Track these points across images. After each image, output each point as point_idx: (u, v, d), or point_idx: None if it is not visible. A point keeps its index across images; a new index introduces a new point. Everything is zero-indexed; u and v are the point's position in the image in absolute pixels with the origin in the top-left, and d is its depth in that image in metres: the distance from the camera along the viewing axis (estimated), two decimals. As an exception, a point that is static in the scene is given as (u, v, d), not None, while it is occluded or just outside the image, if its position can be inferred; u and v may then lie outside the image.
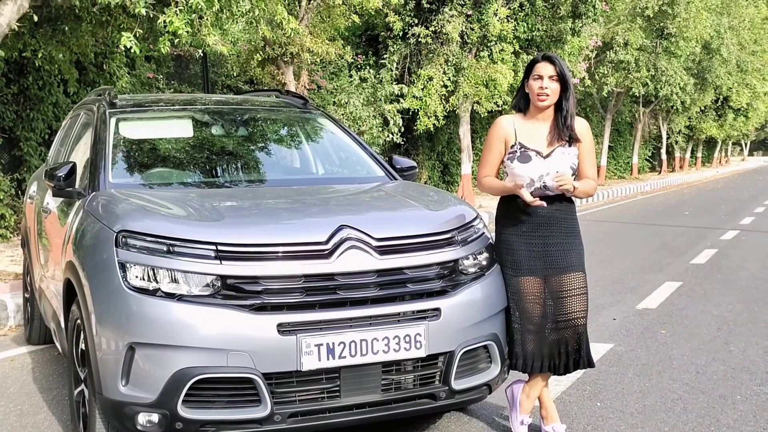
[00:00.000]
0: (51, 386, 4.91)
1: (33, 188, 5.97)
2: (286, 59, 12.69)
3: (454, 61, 15.45)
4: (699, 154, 47.24)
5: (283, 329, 3.20)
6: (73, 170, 4.15)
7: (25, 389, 4.88)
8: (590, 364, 3.84)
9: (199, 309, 3.18)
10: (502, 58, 15.65)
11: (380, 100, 14.95)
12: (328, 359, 3.24)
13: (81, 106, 5.53)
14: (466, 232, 3.79)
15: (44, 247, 4.94)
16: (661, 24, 24.65)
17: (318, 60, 13.79)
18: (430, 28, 15.15)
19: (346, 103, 14.46)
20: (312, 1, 12.59)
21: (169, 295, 3.21)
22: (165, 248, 3.29)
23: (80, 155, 4.76)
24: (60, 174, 4.09)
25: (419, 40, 15.32)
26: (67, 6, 7.58)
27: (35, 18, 7.23)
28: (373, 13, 14.06)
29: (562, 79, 3.72)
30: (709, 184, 31.92)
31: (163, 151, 4.81)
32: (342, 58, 14.55)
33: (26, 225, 5.95)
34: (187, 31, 6.86)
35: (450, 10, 14.92)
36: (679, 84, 26.26)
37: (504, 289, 3.78)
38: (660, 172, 37.42)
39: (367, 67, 15.86)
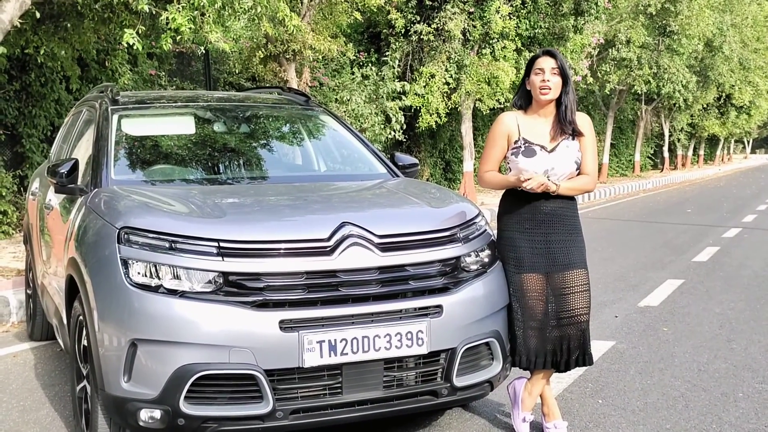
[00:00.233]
0: (53, 382, 4.91)
1: (35, 185, 5.97)
2: (288, 56, 12.69)
3: (456, 59, 15.44)
4: (701, 152, 47.20)
5: (285, 326, 3.20)
6: (75, 167, 4.15)
7: (27, 385, 4.89)
8: (590, 361, 3.84)
9: (201, 306, 3.18)
10: (504, 56, 15.63)
11: (382, 97, 14.95)
12: (330, 356, 3.24)
13: (83, 103, 5.53)
14: (468, 230, 3.79)
15: (46, 243, 4.94)
16: (664, 21, 24.63)
17: (320, 57, 13.78)
18: (432, 26, 15.14)
19: (348, 100, 14.46)
20: (314, -2, 12.59)
21: (172, 292, 3.22)
22: (167, 245, 3.29)
23: (82, 152, 4.76)
24: (62, 171, 4.09)
25: (421, 37, 15.31)
26: (70, 3, 7.58)
27: (38, 15, 7.23)
28: (375, 10, 14.05)
29: (562, 73, 3.73)
30: (711, 181, 31.89)
31: (165, 148, 4.81)
32: (344, 55, 14.55)
33: (28, 222, 5.95)
34: (190, 28, 6.86)
35: (452, 7, 14.91)
36: (681, 82, 26.24)
37: (506, 287, 3.78)
38: (662, 170, 37.40)
39: (369, 65, 15.86)
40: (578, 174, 3.80)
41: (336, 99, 14.83)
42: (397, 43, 15.79)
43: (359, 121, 14.35)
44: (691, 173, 36.39)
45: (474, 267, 3.69)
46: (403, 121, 15.29)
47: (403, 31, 15.44)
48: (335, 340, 3.25)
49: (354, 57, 15.44)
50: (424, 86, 15.44)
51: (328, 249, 3.35)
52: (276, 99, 5.57)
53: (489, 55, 15.65)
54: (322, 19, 13.19)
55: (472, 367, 3.61)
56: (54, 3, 7.68)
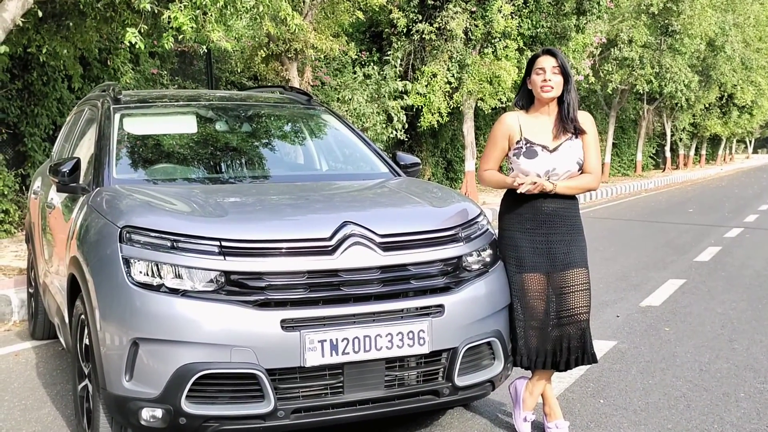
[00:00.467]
0: (55, 381, 4.92)
1: (37, 183, 5.98)
2: (290, 55, 12.69)
3: (458, 58, 15.43)
4: (703, 152, 47.16)
5: (287, 325, 3.20)
6: (77, 166, 4.15)
7: (29, 384, 4.89)
8: (593, 359, 3.84)
9: (203, 305, 3.19)
10: (506, 55, 15.63)
11: (384, 96, 14.94)
12: (331, 355, 3.24)
13: (85, 101, 5.53)
14: (470, 229, 3.79)
15: (48, 242, 4.95)
16: (666, 21, 24.62)
17: (322, 56, 13.79)
18: (434, 25, 15.14)
19: (350, 99, 14.45)
20: (316, -2, 12.59)
21: (173, 291, 3.22)
22: (169, 244, 3.29)
23: (84, 151, 4.76)
24: (64, 169, 4.10)
25: (423, 36, 15.31)
26: (72, 2, 7.59)
27: (40, 14, 7.23)
28: (377, 9, 14.05)
29: (563, 71, 3.73)
30: (713, 181, 31.87)
31: (167, 147, 4.82)
32: (346, 54, 14.55)
33: (30, 220, 5.96)
34: (192, 27, 6.86)
35: (454, 6, 14.90)
36: (683, 81, 26.23)
37: (507, 286, 3.78)
38: (664, 170, 37.38)
39: (371, 64, 15.85)
40: (581, 173, 3.80)
41: (338, 98, 14.83)
42: (398, 43, 15.79)
43: (361, 120, 14.35)
44: (693, 173, 36.36)
45: (475, 266, 3.69)
46: (404, 121, 15.28)
47: (405, 30, 15.44)
48: (337, 339, 3.25)
49: (356, 56, 15.43)
50: (426, 85, 15.44)
51: (330, 248, 3.35)
52: (278, 98, 5.57)
53: (491, 54, 15.64)
54: (324, 18, 13.18)
55: (473, 366, 3.61)
56: (56, 2, 7.69)
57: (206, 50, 12.64)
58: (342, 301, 3.32)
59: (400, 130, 15.33)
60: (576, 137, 3.78)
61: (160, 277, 3.24)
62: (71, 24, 8.10)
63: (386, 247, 3.44)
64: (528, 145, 3.75)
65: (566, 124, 3.77)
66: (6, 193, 10.20)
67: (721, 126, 39.52)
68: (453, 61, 15.48)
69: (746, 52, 32.46)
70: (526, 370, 3.92)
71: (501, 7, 14.89)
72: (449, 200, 4.10)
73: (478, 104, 16.36)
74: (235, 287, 3.22)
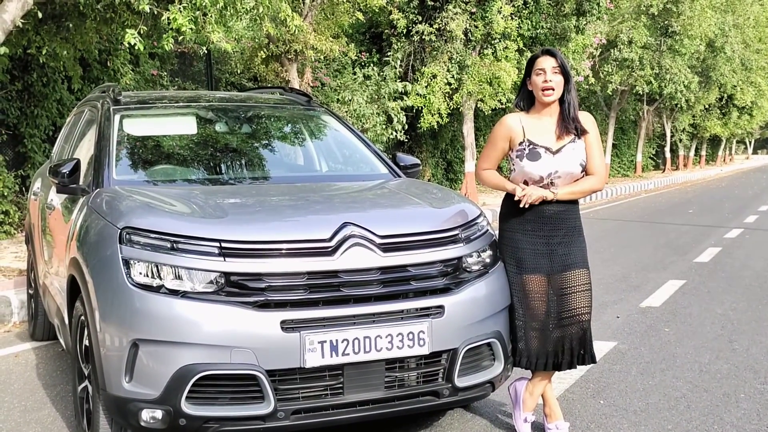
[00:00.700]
0: (55, 382, 4.92)
1: (37, 185, 5.98)
2: (290, 56, 12.69)
3: (457, 59, 15.43)
4: (703, 153, 47.17)
5: (287, 326, 3.20)
6: (77, 167, 4.16)
7: (29, 385, 4.89)
8: (593, 360, 3.84)
9: (203, 306, 3.19)
10: (506, 56, 15.63)
11: (384, 97, 14.94)
12: (331, 356, 3.24)
13: (85, 102, 5.53)
14: (470, 230, 3.79)
15: (48, 243, 4.94)
16: (666, 22, 24.63)
17: (322, 57, 13.78)
18: (434, 26, 15.14)
19: (350, 100, 14.45)
20: (316, -1, 12.60)
21: (173, 292, 3.22)
22: (169, 245, 3.29)
23: (84, 152, 4.76)
24: (64, 171, 4.10)
25: (423, 37, 15.30)
26: (72, 3, 7.58)
27: (39, 15, 7.23)
28: (377, 10, 14.04)
29: (563, 71, 3.73)
30: (713, 182, 31.87)
31: (166, 148, 4.82)
32: (346, 55, 14.54)
33: (30, 221, 5.96)
34: (191, 28, 6.86)
35: (454, 7, 14.90)
36: (683, 82, 26.23)
37: (507, 287, 3.78)
38: (664, 171, 37.39)
39: (371, 65, 15.85)
40: (583, 175, 3.80)
41: (338, 99, 14.82)
42: (398, 44, 15.78)
43: (361, 121, 14.34)
44: (693, 174, 36.36)
45: (476, 267, 3.69)
46: (404, 122, 15.28)
47: (404, 31, 15.44)
48: (337, 340, 3.25)
49: (356, 57, 15.42)
50: (426, 86, 15.43)
51: (330, 249, 3.35)
52: (278, 99, 5.57)
53: (491, 55, 15.64)
54: (323, 20, 13.19)
55: (473, 367, 3.61)
56: (56, 3, 7.68)
57: (206, 51, 12.64)
58: (342, 302, 3.32)
59: (400, 131, 15.32)
60: (579, 138, 3.77)
61: (160, 278, 3.24)
62: (71, 25, 8.10)
63: (386, 248, 3.44)
64: (531, 147, 3.74)
65: (568, 124, 3.76)
66: (6, 194, 10.20)
67: (721, 127, 39.52)
68: (453, 62, 15.48)
69: (746, 53, 32.47)
70: (526, 370, 3.91)
71: (501, 8, 14.88)
72: (449, 201, 4.10)
73: (478, 105, 16.36)
74: (234, 288, 3.22)
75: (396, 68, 15.57)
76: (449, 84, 15.58)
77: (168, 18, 6.80)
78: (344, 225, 3.43)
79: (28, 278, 6.26)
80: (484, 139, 21.07)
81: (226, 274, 3.23)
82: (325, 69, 15.76)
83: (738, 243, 11.45)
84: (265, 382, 3.18)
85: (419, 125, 16.02)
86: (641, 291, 7.70)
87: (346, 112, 14.30)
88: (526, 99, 3.87)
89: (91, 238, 3.65)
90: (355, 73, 15.35)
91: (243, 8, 7.52)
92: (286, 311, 3.23)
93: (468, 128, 17.12)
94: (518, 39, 15.85)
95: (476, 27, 15.15)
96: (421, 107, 15.61)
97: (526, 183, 3.76)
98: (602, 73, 23.99)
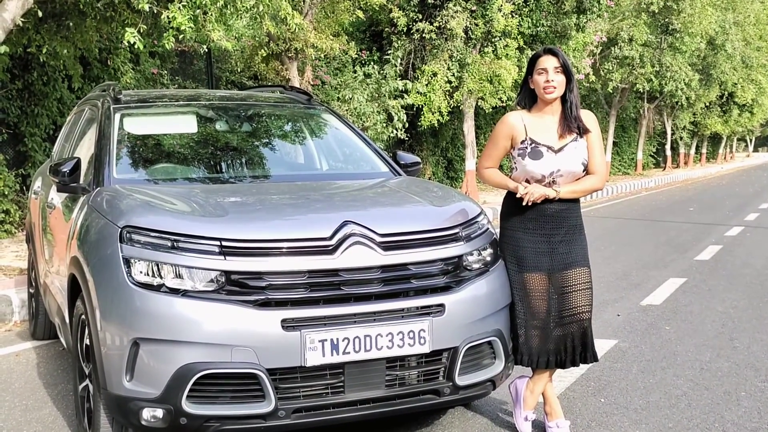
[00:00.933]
0: (56, 381, 4.92)
1: (38, 184, 5.98)
2: (290, 55, 12.68)
3: (458, 57, 15.42)
4: (704, 150, 47.14)
5: (288, 325, 3.20)
6: (77, 166, 4.15)
7: (29, 384, 4.89)
8: (594, 358, 3.84)
9: (204, 304, 3.19)
10: (507, 54, 15.61)
11: (384, 95, 14.93)
12: (332, 355, 3.24)
13: (85, 101, 5.53)
14: (470, 228, 3.79)
15: (49, 242, 4.95)
16: (666, 20, 24.60)
17: (322, 56, 13.77)
18: (434, 24, 15.13)
19: (350, 98, 14.44)
20: (316, -3, 12.59)
21: (174, 291, 3.22)
22: (169, 244, 3.29)
23: (85, 151, 4.76)
24: (65, 169, 4.10)
25: (423, 35, 15.29)
26: (72, 2, 7.58)
27: (40, 13, 7.23)
28: (377, 8, 14.03)
29: (565, 70, 3.72)
30: (713, 180, 31.85)
31: (167, 147, 4.81)
32: (346, 53, 14.54)
33: (31, 220, 5.96)
34: (191, 27, 6.86)
35: (454, 5, 14.89)
36: (683, 80, 26.21)
37: (508, 285, 3.78)
38: (664, 168, 37.37)
39: (372, 63, 15.84)
40: (585, 174, 3.79)
41: (338, 97, 14.82)
42: (399, 42, 15.77)
43: (361, 119, 14.34)
44: (694, 171, 36.35)
45: (476, 266, 3.69)
46: (405, 120, 15.27)
47: (405, 29, 15.43)
48: (337, 339, 3.25)
49: (356, 55, 15.41)
50: (426, 85, 15.43)
51: (330, 248, 3.35)
52: (278, 98, 5.57)
53: (491, 53, 15.63)
54: (324, 18, 13.18)
55: (474, 366, 3.61)
56: (56, 2, 7.69)
57: (206, 50, 12.62)
58: (342, 301, 3.32)
59: (401, 130, 15.32)
60: (581, 137, 3.77)
61: (161, 277, 3.24)
62: (71, 24, 8.10)
63: (387, 247, 3.44)
64: (533, 145, 3.74)
65: (570, 123, 3.76)
66: (6, 193, 10.20)
67: (722, 124, 39.50)
68: (453, 60, 15.47)
69: (747, 51, 32.43)
70: (527, 369, 3.91)
71: (501, 5, 14.87)
72: (449, 199, 4.10)
73: (479, 103, 16.35)
74: (235, 287, 3.22)
75: (396, 66, 15.56)
76: (449, 82, 15.57)
77: (168, 17, 6.79)
78: (345, 223, 3.43)
79: (28, 277, 6.26)
80: (484, 138, 21.08)
81: (227, 273, 3.23)
82: (326, 67, 15.75)
83: (739, 241, 11.45)
84: (265, 380, 3.18)
85: (420, 123, 16.01)
86: (642, 289, 7.69)
87: (347, 110, 14.30)
88: (528, 97, 3.86)
89: (92, 237, 3.65)
90: (355, 72, 15.34)
91: (243, 6, 7.51)
92: (287, 310, 3.23)
93: (468, 126, 17.11)
94: (519, 37, 15.83)
95: (476, 25, 15.14)
96: (422, 105, 15.61)
97: (527, 181, 3.76)
98: (603, 71, 23.97)
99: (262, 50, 12.74)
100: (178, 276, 3.24)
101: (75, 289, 3.82)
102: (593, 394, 4.58)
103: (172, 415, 3.17)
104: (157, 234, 3.33)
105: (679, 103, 30.86)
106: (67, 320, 4.11)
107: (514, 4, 15.42)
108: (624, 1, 22.92)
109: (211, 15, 7.17)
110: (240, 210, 3.68)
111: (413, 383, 3.46)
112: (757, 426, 4.07)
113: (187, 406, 3.17)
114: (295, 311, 3.23)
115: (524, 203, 3.69)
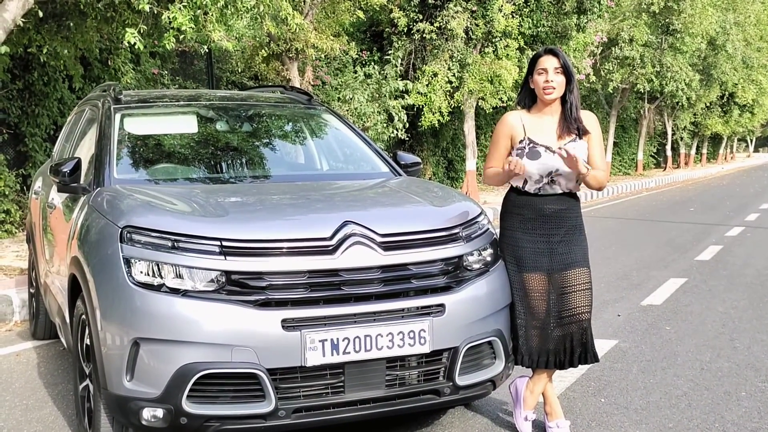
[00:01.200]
0: (56, 381, 4.92)
1: (38, 184, 5.98)
2: (290, 55, 12.69)
3: (458, 57, 15.43)
4: (704, 151, 47.14)
5: (288, 325, 3.20)
6: (78, 166, 4.16)
7: (30, 384, 4.90)
8: (595, 358, 3.84)
9: (204, 304, 3.19)
10: (507, 54, 15.62)
11: (385, 96, 14.93)
12: (332, 355, 3.24)
13: (86, 101, 5.54)
14: (471, 228, 3.79)
15: (49, 242, 4.95)
16: (667, 20, 24.60)
17: (322, 56, 13.77)
18: (435, 24, 15.13)
19: (351, 99, 14.44)
20: (316, -3, 12.59)
21: (174, 291, 3.22)
22: (170, 244, 3.29)
23: (85, 151, 4.77)
24: (65, 169, 4.10)
25: (424, 36, 15.30)
26: (72, 2, 7.59)
27: (40, 14, 7.24)
28: (377, 8, 14.03)
29: (566, 71, 3.72)
30: (714, 180, 31.85)
31: (167, 147, 4.82)
32: (346, 54, 14.54)
33: (31, 220, 5.96)
34: (192, 27, 6.86)
35: (455, 6, 14.90)
36: (684, 80, 26.21)
37: (508, 285, 3.78)
38: (665, 169, 37.37)
39: (372, 63, 15.85)
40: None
41: (338, 98, 14.82)
42: (399, 42, 15.78)
43: (362, 119, 14.34)
44: (694, 172, 36.34)
45: (476, 266, 3.69)
46: (405, 120, 15.27)
47: (405, 29, 15.43)
48: (337, 339, 3.25)
49: (356, 56, 15.42)
50: (427, 85, 15.43)
51: (331, 248, 3.35)
52: (278, 98, 5.57)
53: (492, 53, 15.64)
54: (324, 18, 13.19)
55: (474, 366, 3.61)
56: (57, 2, 7.69)
57: (207, 50, 12.63)
58: (343, 301, 3.32)
59: (401, 130, 15.32)
60: (580, 138, 3.77)
61: (161, 277, 3.24)
62: (72, 24, 8.10)
63: (387, 247, 3.44)
64: (531, 145, 3.74)
65: (570, 124, 3.76)
66: (7, 193, 10.21)
67: (722, 125, 39.50)
68: (454, 60, 15.47)
69: (747, 51, 32.43)
70: (527, 369, 3.91)
71: (502, 6, 14.88)
72: (450, 199, 4.10)
73: (479, 103, 16.35)
74: (235, 287, 3.23)
75: (397, 67, 15.57)
76: (450, 82, 15.58)
77: (168, 17, 6.80)
78: (345, 224, 3.43)
79: (29, 277, 6.26)
80: (485, 137, 21.10)
81: (227, 273, 3.23)
82: (326, 67, 15.75)
83: (739, 241, 11.45)
84: (266, 380, 3.18)
85: (420, 124, 16.02)
86: (642, 289, 7.69)
87: (347, 110, 14.30)
88: (528, 97, 3.86)
89: (92, 237, 3.65)
90: (355, 72, 15.35)
91: (244, 7, 7.51)
92: (287, 310, 3.23)
93: (469, 127, 17.11)
94: (519, 37, 15.84)
95: (477, 25, 15.14)
96: (422, 106, 15.61)
97: (525, 181, 3.76)
98: (603, 71, 23.97)
99: (263, 50, 12.74)
100: (179, 276, 3.24)
101: (75, 289, 3.82)
102: (593, 394, 4.58)
103: (173, 415, 3.18)
104: (157, 234, 3.33)
105: (680, 104, 30.85)
106: (68, 320, 4.11)
107: (514, 4, 15.43)
108: (624, 2, 22.93)
109: (212, 15, 7.18)
110: (240, 210, 3.68)
111: (413, 383, 3.46)
112: (758, 426, 4.07)
113: (188, 406, 3.17)
114: (295, 311, 3.23)
115: (510, 167, 3.63)
